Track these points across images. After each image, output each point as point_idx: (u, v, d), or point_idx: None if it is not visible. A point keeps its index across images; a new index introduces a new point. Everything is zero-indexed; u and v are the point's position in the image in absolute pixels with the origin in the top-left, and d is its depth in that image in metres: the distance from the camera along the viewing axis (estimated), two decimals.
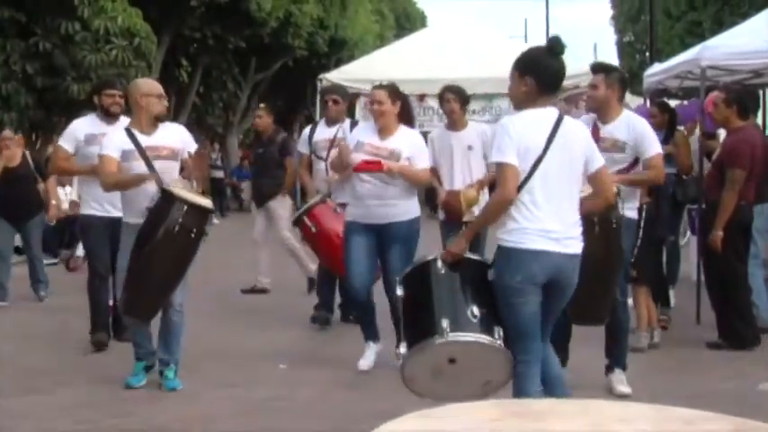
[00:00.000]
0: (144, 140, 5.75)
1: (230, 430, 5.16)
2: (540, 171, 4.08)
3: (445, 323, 4.03)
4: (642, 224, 6.73)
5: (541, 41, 5.22)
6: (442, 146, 7.15)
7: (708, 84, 8.37)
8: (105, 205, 6.62)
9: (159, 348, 5.87)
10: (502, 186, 4.10)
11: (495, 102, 16.91)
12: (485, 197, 7.01)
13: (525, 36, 47.26)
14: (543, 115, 4.16)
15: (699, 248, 7.71)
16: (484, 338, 4.07)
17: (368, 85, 18.73)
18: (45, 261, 12.05)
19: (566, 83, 11.96)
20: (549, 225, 4.09)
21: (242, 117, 25.09)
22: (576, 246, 4.18)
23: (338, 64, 22.14)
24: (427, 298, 4.26)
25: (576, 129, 4.28)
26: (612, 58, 32.08)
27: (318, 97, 8.21)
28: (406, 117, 6.29)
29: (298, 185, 10.02)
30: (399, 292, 4.32)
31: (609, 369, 5.67)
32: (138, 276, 5.50)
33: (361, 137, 6.16)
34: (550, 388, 4.29)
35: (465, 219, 6.89)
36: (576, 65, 11.81)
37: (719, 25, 20.24)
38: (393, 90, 6.19)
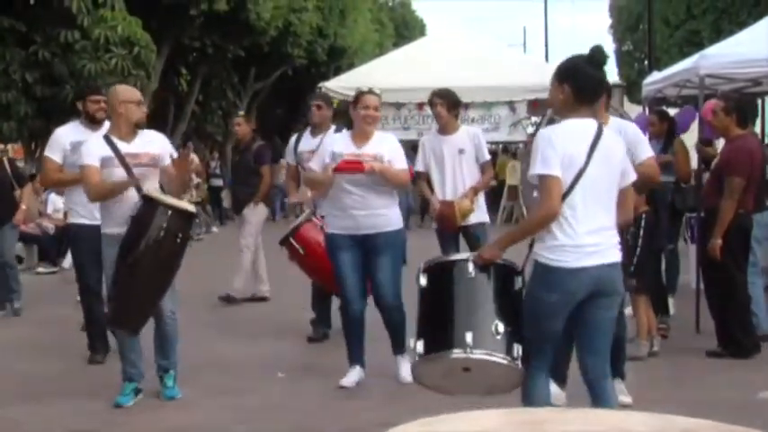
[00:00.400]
0: (123, 147, 5.63)
1: None
2: (581, 184, 4.02)
3: (469, 337, 3.97)
4: (641, 233, 6.78)
5: (540, 50, 5.25)
6: (433, 150, 7.03)
7: (706, 92, 8.38)
8: (95, 213, 6.31)
9: (156, 356, 5.81)
10: (548, 199, 4.00)
11: (494, 110, 17.01)
12: (478, 205, 7.00)
13: (524, 44, 47.46)
14: (584, 126, 4.12)
15: (698, 257, 7.71)
16: (504, 359, 4.02)
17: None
18: (44, 270, 12.11)
19: None
20: (587, 239, 4.05)
21: None
22: (615, 254, 4.14)
23: (337, 72, 22.22)
24: (451, 300, 4.17)
25: (615, 141, 4.25)
26: (611, 67, 32.11)
27: None
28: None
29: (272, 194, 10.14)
30: (423, 281, 4.22)
31: None
32: (126, 287, 5.40)
33: (337, 147, 5.96)
34: (598, 401, 4.22)
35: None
36: None
37: (718, 34, 20.28)
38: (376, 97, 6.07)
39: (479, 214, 7.01)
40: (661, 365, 6.60)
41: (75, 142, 6.53)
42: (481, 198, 7.12)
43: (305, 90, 22.88)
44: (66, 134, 6.82)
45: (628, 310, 7.66)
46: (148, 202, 5.41)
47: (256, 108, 24.89)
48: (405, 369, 5.66)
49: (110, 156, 5.60)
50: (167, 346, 5.78)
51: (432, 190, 7.06)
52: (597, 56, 4.21)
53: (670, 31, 26.10)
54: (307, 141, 7.63)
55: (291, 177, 7.96)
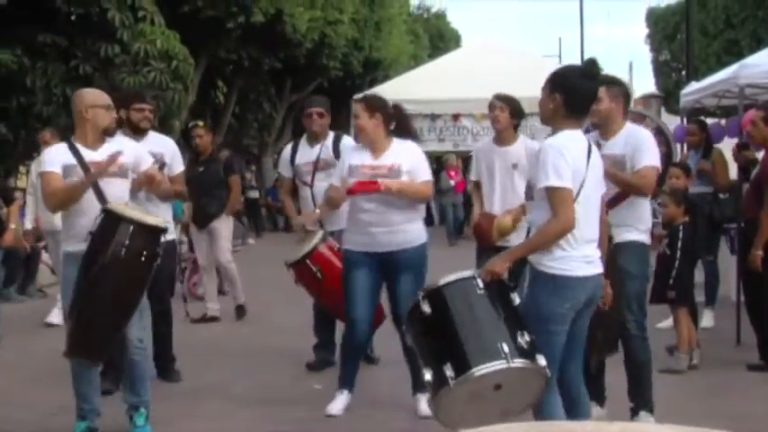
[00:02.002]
0: (88, 155, 5.12)
1: None
2: (582, 196, 4.07)
3: (506, 348, 3.91)
4: (680, 244, 6.74)
5: (576, 60, 5.24)
6: (486, 161, 6.47)
7: (746, 102, 8.33)
8: None
9: (125, 392, 5.26)
10: (564, 213, 3.99)
11: (530, 121, 16.93)
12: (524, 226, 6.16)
13: (559, 55, 47.18)
14: (579, 138, 4.15)
15: (738, 268, 7.64)
16: (540, 366, 3.98)
17: (402, 104, 18.91)
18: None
19: None
20: (588, 250, 4.13)
21: (277, 137, 25.26)
22: (600, 264, 4.22)
23: (373, 84, 22.26)
24: (471, 318, 4.08)
25: (599, 155, 4.30)
26: (648, 77, 31.93)
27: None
28: (402, 128, 5.75)
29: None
30: (426, 308, 4.11)
31: (633, 413, 5.17)
32: (84, 310, 4.84)
33: (353, 160, 5.59)
34: (576, 405, 4.28)
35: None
36: None
37: (758, 43, 20.13)
38: (370, 102, 5.63)
39: (523, 236, 6.25)
40: (701, 378, 6.56)
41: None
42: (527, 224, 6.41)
43: (340, 102, 22.98)
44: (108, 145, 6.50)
45: (665, 324, 7.63)
46: (109, 216, 4.91)
47: (292, 120, 25.02)
48: (423, 404, 5.30)
49: (72, 164, 5.10)
50: (136, 380, 5.18)
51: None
52: (591, 68, 4.19)
53: (708, 40, 25.93)
54: (305, 152, 7.00)
55: (287, 192, 7.24)
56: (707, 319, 8.14)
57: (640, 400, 5.18)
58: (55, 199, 5.12)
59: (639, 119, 10.59)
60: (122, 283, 4.87)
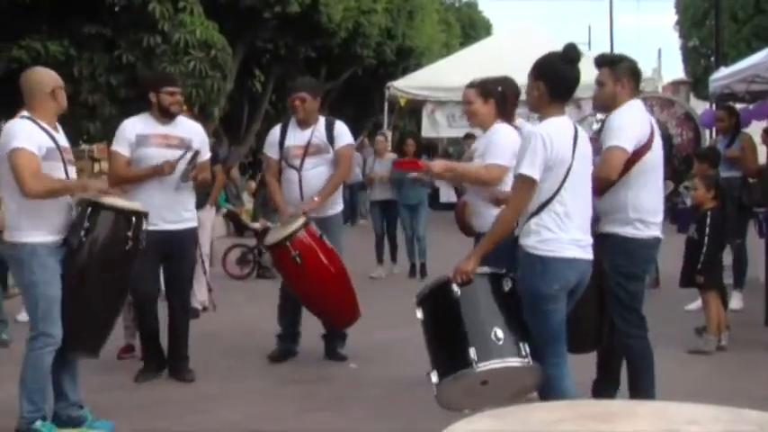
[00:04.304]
0: (61, 140, 4.91)
1: (302, 428, 5.17)
2: (569, 181, 4.10)
3: (472, 353, 4.01)
4: (708, 229, 6.83)
5: (605, 48, 5.29)
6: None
7: None
8: (162, 215, 5.87)
9: (69, 391, 5.03)
10: (519, 200, 4.08)
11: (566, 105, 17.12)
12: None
13: (589, 43, 47.08)
14: (565, 124, 4.21)
15: (767, 251, 7.81)
16: (513, 362, 4.08)
17: (434, 92, 19.24)
18: None
19: None
20: (578, 234, 4.16)
21: None
22: (591, 251, 4.26)
23: (405, 72, 22.55)
24: (447, 323, 4.20)
25: (587, 139, 4.33)
26: (677, 64, 31.82)
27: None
28: (502, 111, 5.50)
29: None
30: (419, 315, 4.29)
31: None
32: (75, 304, 4.76)
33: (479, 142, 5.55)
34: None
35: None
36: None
37: None
38: (485, 88, 5.50)
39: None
40: (729, 360, 6.61)
41: (142, 135, 6.04)
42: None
43: (374, 89, 23.27)
44: (134, 125, 6.12)
45: (693, 306, 7.86)
46: (89, 206, 4.84)
47: (327, 107, 25.33)
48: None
49: (52, 147, 4.82)
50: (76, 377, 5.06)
51: None
52: (570, 53, 4.24)
53: (738, 26, 25.87)
54: (295, 135, 6.71)
55: (273, 174, 6.83)
56: (735, 301, 8.23)
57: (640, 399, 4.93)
58: (43, 187, 4.73)
59: (668, 105, 10.85)
60: (109, 271, 4.87)
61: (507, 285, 4.21)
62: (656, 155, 4.87)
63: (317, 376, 6.23)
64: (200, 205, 8.06)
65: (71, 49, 13.32)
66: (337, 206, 6.79)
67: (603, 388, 5.04)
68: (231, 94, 18.22)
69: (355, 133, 24.96)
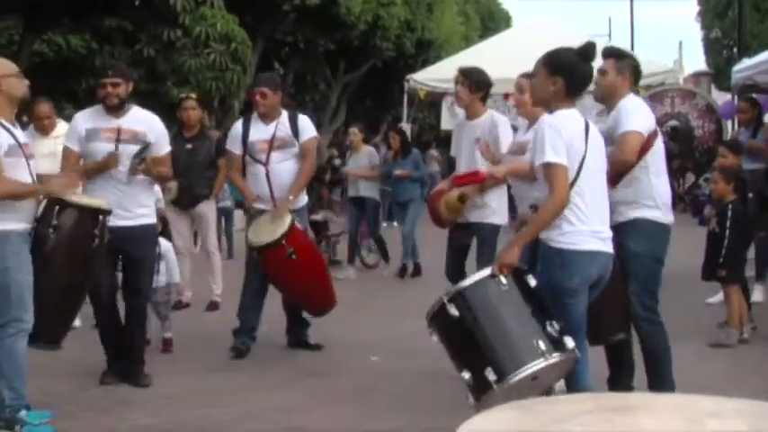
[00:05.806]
0: (19, 135, 4.80)
1: (323, 421, 5.14)
2: (585, 172, 4.09)
3: (543, 345, 3.96)
4: (728, 222, 6.75)
5: (626, 40, 5.25)
6: (457, 136, 6.47)
7: None
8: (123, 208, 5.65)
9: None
10: (558, 190, 4.02)
11: (579, 100, 17.06)
12: (485, 203, 6.05)
13: (609, 35, 46.78)
14: (576, 116, 4.22)
15: None
16: (571, 350, 4.04)
17: (454, 84, 19.05)
18: None
19: (650, 80, 12.25)
20: (597, 226, 4.16)
21: (332, 117, 25.66)
22: (611, 245, 4.24)
23: (425, 65, 22.50)
24: (499, 319, 4.10)
25: (596, 130, 4.33)
26: (698, 56, 31.57)
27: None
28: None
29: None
30: (453, 311, 4.12)
31: None
32: (37, 296, 4.76)
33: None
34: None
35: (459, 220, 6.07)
36: (661, 62, 11.85)
37: None
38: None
39: (486, 213, 6.09)
40: (751, 353, 6.57)
41: (91, 129, 5.74)
42: (500, 196, 6.17)
43: (393, 82, 23.28)
44: (84, 120, 5.83)
45: (714, 299, 7.82)
46: (53, 203, 4.85)
47: (347, 100, 25.38)
48: None
49: (14, 144, 4.70)
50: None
51: None
52: (590, 51, 4.26)
53: (761, 16, 25.67)
54: (258, 130, 6.63)
55: (238, 170, 6.75)
56: (757, 294, 8.15)
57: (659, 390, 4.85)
58: (7, 191, 4.66)
59: (690, 96, 10.80)
60: (75, 267, 4.91)
61: (533, 282, 4.19)
62: (661, 143, 5.00)
63: (338, 369, 6.24)
64: (204, 197, 8.32)
65: (93, 43, 13.44)
66: (301, 200, 6.77)
67: (619, 380, 5.03)
68: (251, 87, 18.28)
69: (374, 126, 25.05)
